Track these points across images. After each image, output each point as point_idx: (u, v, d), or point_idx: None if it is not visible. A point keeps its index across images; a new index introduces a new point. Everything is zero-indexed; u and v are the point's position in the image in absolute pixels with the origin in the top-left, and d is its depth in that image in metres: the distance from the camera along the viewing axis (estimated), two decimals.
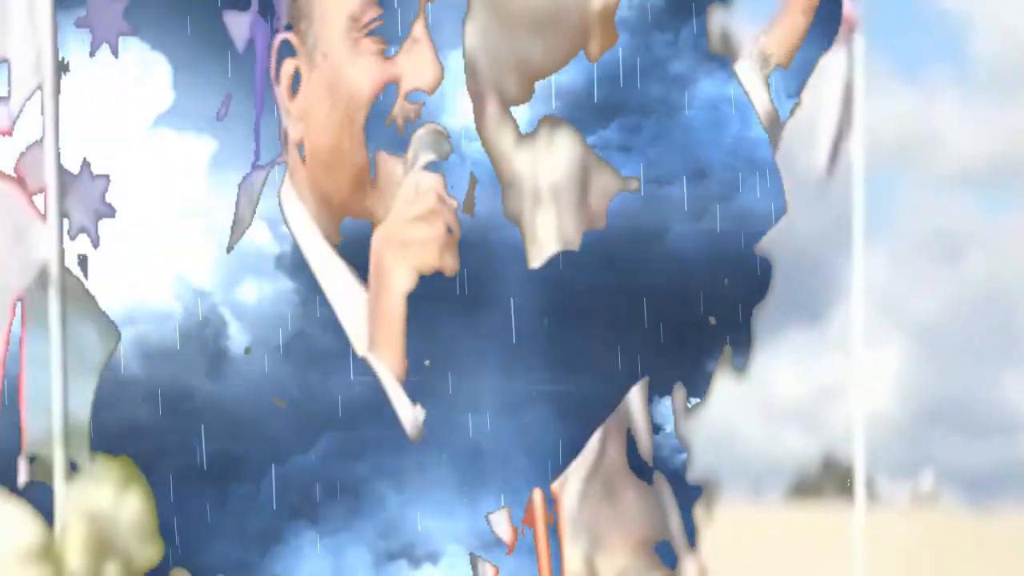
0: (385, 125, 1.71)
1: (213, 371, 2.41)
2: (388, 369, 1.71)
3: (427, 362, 1.74)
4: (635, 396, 2.15)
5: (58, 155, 2.41)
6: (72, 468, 2.16)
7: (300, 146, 1.76)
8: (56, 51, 2.92)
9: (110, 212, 2.57)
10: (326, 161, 1.73)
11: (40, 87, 2.67)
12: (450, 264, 1.66)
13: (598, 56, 2.15)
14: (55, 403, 2.42)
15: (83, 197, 2.53)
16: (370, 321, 1.72)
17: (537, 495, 1.65)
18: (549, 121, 5.17)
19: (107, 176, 2.67)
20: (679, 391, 2.37)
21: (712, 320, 2.56)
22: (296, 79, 1.79)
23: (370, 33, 1.72)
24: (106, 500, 1.82)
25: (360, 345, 1.93)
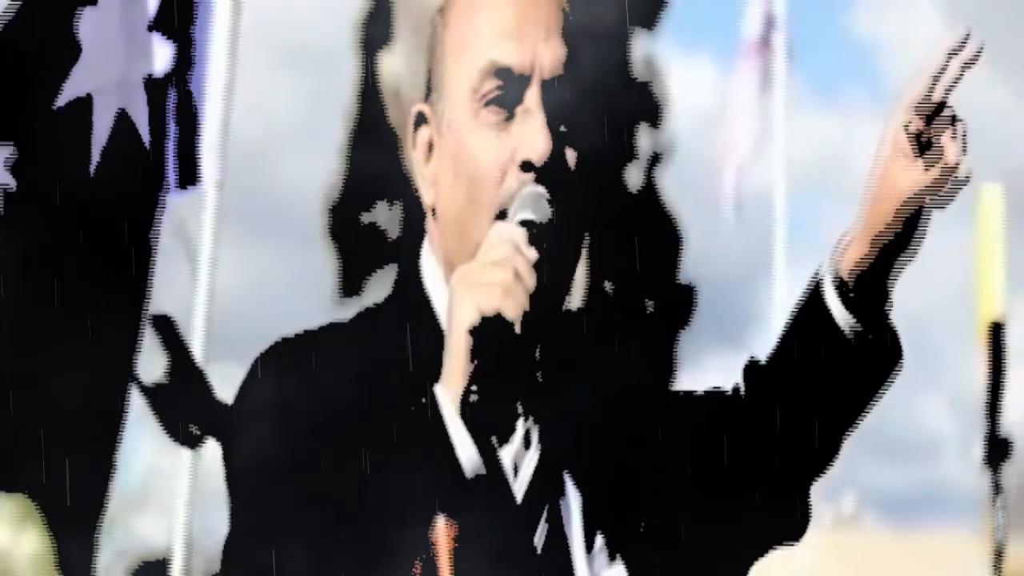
0: (500, 202, 1.79)
1: None
2: (451, 402, 1.72)
3: (473, 396, 1.74)
4: None
5: None
6: None
7: (434, 211, 1.86)
8: None
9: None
10: (452, 230, 1.81)
11: None
12: (510, 309, 1.68)
13: None
14: None
15: None
16: (444, 358, 1.75)
17: (441, 521, 1.65)
18: None
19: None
20: None
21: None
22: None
23: (489, 103, 1.80)
24: (3, 538, 1.79)
25: None
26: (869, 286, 1.83)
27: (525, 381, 1.78)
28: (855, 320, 1.82)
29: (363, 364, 1.79)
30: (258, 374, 1.81)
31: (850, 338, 1.83)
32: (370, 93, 11.31)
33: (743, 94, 9.02)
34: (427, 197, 1.87)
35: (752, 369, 1.90)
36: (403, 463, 1.69)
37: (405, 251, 1.89)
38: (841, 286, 1.82)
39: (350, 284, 11.41)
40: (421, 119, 1.88)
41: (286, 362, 1.81)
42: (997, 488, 6.30)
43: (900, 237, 1.79)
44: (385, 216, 11.17)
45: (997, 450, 6.43)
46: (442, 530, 1.62)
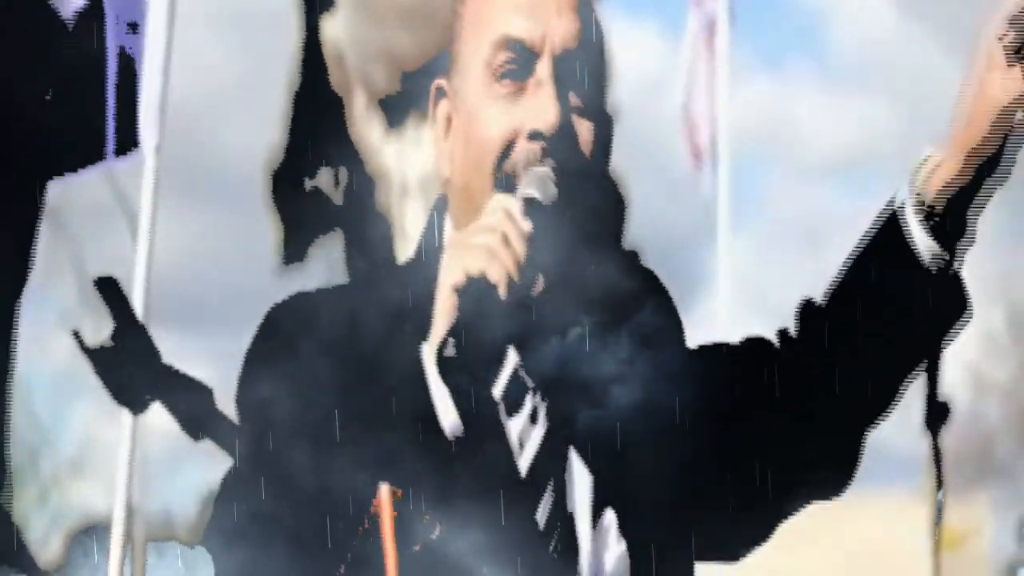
0: (506, 170, 1.80)
1: None
2: (432, 360, 1.73)
3: (450, 348, 1.76)
4: None
5: None
6: None
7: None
8: None
9: None
10: (461, 197, 1.86)
11: None
12: (495, 272, 1.70)
13: None
14: None
15: None
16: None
17: (384, 489, 1.64)
18: (417, 115, 5.15)
19: None
20: None
21: None
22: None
23: (502, 76, 1.83)
24: None
25: None
26: (955, 213, 1.77)
27: (527, 349, 1.78)
28: (939, 247, 1.77)
29: (380, 321, 1.81)
30: (276, 323, 1.85)
31: (930, 269, 1.77)
32: (312, 56, 11.22)
33: (691, 59, 9.04)
34: (444, 170, 1.90)
35: (809, 308, 1.86)
36: (393, 419, 1.70)
37: (348, 217, 1.92)
38: (923, 212, 1.77)
39: (293, 250, 11.35)
40: (441, 93, 1.91)
41: (303, 314, 1.84)
42: (936, 451, 6.36)
43: (993, 154, 1.76)
44: (328, 182, 11.12)
45: (936, 413, 6.48)
46: (385, 497, 1.62)
